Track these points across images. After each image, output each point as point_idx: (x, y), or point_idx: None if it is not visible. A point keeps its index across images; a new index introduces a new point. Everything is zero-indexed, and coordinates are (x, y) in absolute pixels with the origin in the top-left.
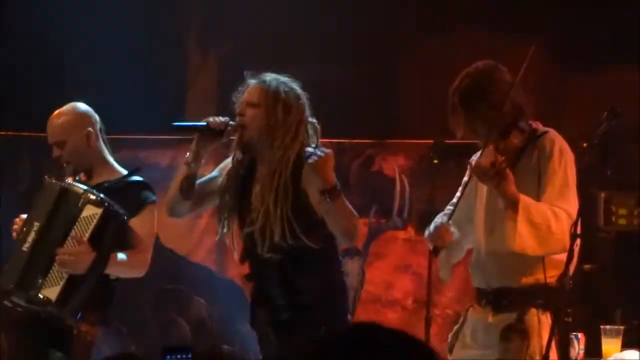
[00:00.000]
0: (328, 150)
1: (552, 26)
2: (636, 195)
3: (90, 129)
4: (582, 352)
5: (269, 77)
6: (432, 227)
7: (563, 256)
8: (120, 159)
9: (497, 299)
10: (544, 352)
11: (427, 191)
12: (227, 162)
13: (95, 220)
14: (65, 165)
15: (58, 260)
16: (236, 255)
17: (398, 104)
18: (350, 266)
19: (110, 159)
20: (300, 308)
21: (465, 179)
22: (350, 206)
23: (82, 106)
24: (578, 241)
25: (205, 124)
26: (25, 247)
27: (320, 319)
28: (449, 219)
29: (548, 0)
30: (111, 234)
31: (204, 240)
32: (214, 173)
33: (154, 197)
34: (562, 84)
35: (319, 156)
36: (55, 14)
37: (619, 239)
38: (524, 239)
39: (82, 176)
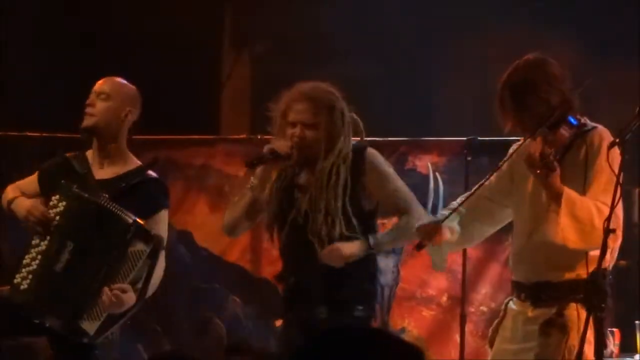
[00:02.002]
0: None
1: (587, 19)
2: None
3: (132, 109)
4: (617, 347)
5: (311, 91)
6: (426, 220)
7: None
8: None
9: (536, 293)
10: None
11: (461, 188)
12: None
13: (142, 257)
14: (89, 115)
15: (103, 301)
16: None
17: (431, 101)
18: (385, 264)
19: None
20: (338, 305)
21: (501, 164)
22: (388, 238)
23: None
24: (617, 236)
25: (272, 151)
26: (59, 267)
27: (352, 318)
28: (444, 220)
29: None
30: (153, 268)
31: (238, 240)
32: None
33: (167, 202)
34: (597, 78)
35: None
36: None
37: None
38: (565, 232)
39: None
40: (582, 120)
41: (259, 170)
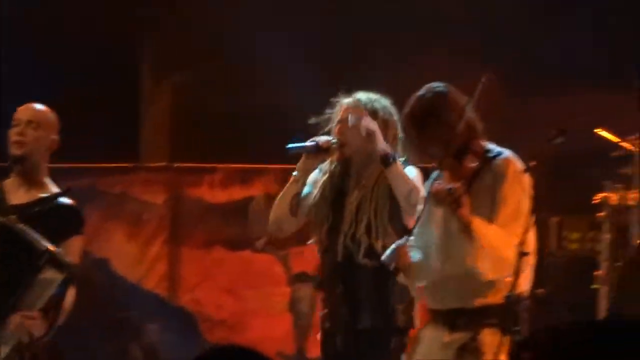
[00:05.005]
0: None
1: (506, 50)
2: (588, 220)
3: (55, 137)
4: None
5: (363, 95)
6: (389, 250)
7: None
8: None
9: (452, 319)
10: None
11: None
12: (315, 176)
13: (53, 286)
14: (20, 144)
15: (10, 328)
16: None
17: None
18: None
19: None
20: (384, 315)
21: (419, 207)
22: (405, 173)
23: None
24: (531, 260)
25: (314, 144)
26: None
27: (397, 329)
28: (406, 240)
29: (504, 28)
30: (64, 296)
31: (155, 267)
32: (308, 188)
33: (80, 229)
34: (514, 107)
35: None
36: None
37: (569, 263)
38: (478, 262)
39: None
40: (488, 146)
41: (301, 162)
